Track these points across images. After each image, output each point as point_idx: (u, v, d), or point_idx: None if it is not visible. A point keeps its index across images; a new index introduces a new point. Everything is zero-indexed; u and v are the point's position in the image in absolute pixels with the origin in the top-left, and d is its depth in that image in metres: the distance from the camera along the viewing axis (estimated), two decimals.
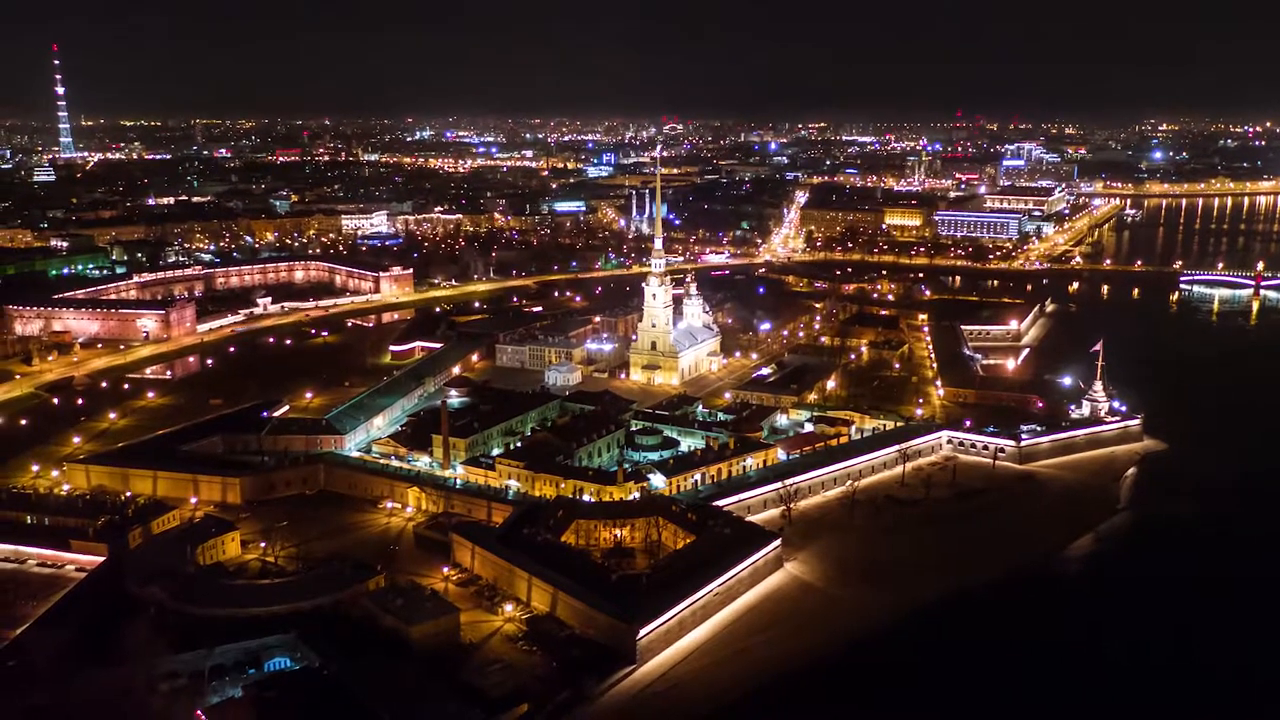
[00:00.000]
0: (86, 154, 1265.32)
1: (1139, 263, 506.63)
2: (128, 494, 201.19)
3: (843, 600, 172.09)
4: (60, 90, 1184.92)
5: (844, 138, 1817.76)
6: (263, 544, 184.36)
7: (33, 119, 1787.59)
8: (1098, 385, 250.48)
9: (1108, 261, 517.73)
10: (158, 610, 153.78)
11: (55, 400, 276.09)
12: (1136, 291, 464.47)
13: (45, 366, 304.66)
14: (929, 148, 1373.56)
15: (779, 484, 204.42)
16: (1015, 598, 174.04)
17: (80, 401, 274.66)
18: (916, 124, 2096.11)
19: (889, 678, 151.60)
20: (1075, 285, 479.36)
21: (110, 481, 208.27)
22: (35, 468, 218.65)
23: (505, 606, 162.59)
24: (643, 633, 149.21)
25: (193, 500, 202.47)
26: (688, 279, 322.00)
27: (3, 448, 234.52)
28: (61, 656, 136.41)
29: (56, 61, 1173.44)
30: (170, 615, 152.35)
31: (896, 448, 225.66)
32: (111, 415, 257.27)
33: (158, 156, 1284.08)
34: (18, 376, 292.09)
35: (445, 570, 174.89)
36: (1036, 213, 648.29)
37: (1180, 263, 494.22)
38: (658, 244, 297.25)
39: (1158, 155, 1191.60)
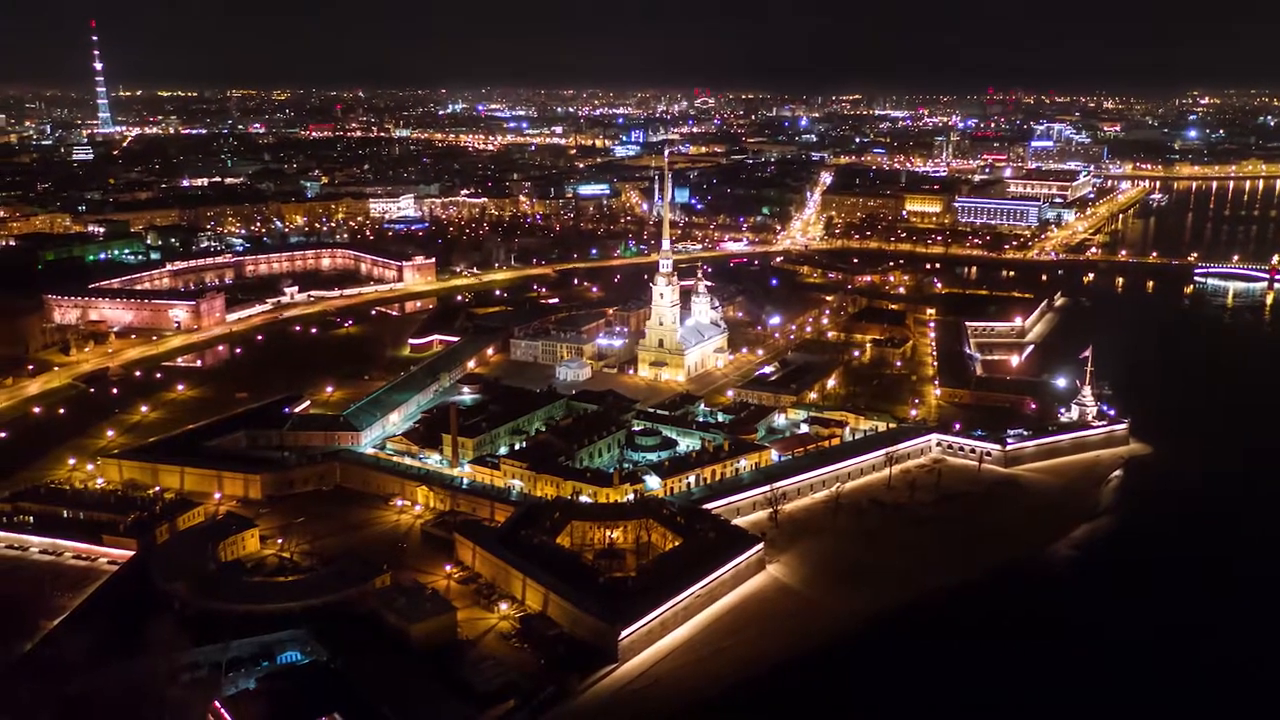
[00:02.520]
0: (124, 128, 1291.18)
1: (1154, 254, 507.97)
2: (156, 489, 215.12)
3: (819, 602, 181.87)
4: (98, 66, 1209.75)
5: (877, 112, 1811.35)
6: (279, 540, 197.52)
7: (72, 90, 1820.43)
8: (1086, 390, 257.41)
9: (1124, 252, 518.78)
10: (181, 605, 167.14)
11: (91, 390, 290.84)
12: (1151, 284, 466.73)
13: (82, 357, 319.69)
14: (961, 124, 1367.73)
15: (768, 487, 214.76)
16: (986, 600, 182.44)
17: (115, 391, 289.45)
18: (953, 96, 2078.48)
19: (858, 677, 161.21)
20: (1090, 277, 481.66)
21: (141, 476, 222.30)
22: (71, 461, 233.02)
23: (501, 605, 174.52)
24: (625, 633, 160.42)
25: (217, 495, 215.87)
26: (698, 274, 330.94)
27: (42, 440, 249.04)
28: (94, 648, 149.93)
29: (95, 38, 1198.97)
30: (192, 610, 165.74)
31: (884, 451, 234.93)
32: (143, 408, 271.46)
33: (193, 132, 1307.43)
34: (56, 368, 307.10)
35: (448, 568, 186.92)
36: (1058, 199, 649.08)
37: (1196, 254, 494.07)
38: (665, 245, 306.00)
39: (1192, 134, 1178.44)
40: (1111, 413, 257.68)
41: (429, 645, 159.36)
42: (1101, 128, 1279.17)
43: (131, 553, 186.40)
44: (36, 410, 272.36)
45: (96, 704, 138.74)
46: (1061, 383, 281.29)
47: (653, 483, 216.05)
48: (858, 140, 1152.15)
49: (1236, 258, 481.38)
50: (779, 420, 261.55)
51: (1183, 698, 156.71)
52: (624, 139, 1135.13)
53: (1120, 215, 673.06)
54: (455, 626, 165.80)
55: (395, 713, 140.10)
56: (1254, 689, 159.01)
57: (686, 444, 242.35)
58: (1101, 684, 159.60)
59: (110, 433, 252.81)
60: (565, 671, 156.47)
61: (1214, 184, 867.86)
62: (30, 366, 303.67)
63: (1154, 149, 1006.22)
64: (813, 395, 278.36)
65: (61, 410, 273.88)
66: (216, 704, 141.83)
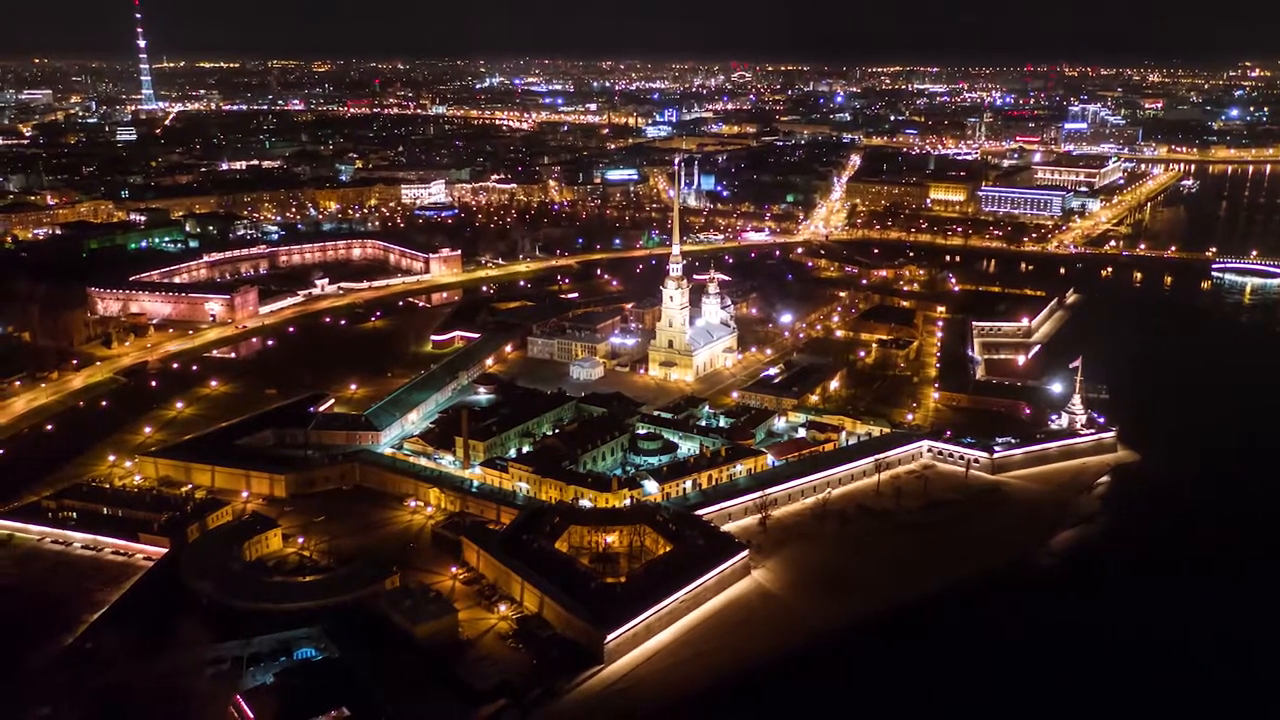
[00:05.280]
0: (166, 105, 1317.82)
1: (1174, 247, 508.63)
2: (189, 486, 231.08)
3: (800, 607, 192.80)
4: (142, 43, 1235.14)
5: (915, 86, 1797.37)
6: (300, 539, 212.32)
7: (117, 63, 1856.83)
8: (1076, 399, 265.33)
9: (1142, 246, 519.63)
10: (208, 602, 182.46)
11: (132, 384, 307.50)
12: (1169, 279, 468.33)
13: (123, 350, 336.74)
14: (998, 101, 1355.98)
15: (759, 493, 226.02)
16: (968, 605, 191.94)
17: (154, 384, 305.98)
18: (995, 68, 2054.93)
19: (836, 679, 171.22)
20: (1108, 271, 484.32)
21: (175, 473, 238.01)
22: (111, 457, 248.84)
23: (501, 606, 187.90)
24: (610, 636, 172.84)
25: (244, 494, 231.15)
26: (710, 272, 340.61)
27: (86, 434, 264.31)
28: (127, 642, 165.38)
29: (138, 15, 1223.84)
30: (218, 607, 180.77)
31: (874, 457, 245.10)
32: (179, 404, 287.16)
33: (234, 108, 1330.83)
34: (98, 361, 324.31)
35: (454, 570, 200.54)
36: (1083, 188, 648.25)
37: (1214, 249, 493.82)
38: (676, 249, 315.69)
39: (1234, 112, 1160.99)
40: (1101, 420, 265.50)
41: (432, 644, 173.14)
42: (1142, 105, 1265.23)
43: (164, 550, 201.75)
44: (80, 404, 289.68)
45: (128, 695, 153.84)
46: (1058, 387, 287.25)
47: (651, 487, 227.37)
48: (891, 119, 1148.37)
49: (1255, 252, 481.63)
50: (779, 424, 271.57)
51: (1171, 700, 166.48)
52: (657, 117, 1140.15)
53: (1148, 203, 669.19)
54: (457, 627, 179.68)
55: (397, 708, 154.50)
56: (1244, 690, 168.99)
57: (687, 448, 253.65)
58: (1084, 687, 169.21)
59: (148, 429, 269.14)
60: (556, 672, 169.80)
61: (1250, 168, 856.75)
62: (74, 360, 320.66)
63: (1192, 130, 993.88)
64: (814, 398, 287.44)
65: (104, 403, 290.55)
66: (237, 697, 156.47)
